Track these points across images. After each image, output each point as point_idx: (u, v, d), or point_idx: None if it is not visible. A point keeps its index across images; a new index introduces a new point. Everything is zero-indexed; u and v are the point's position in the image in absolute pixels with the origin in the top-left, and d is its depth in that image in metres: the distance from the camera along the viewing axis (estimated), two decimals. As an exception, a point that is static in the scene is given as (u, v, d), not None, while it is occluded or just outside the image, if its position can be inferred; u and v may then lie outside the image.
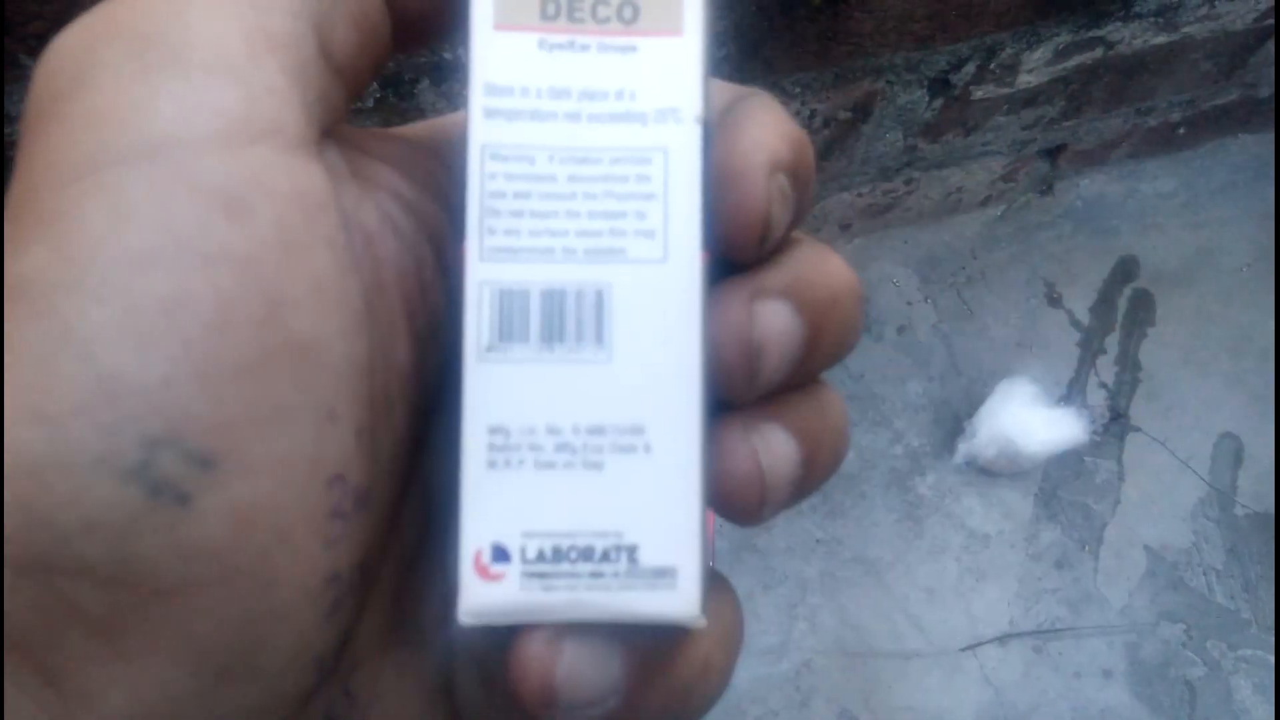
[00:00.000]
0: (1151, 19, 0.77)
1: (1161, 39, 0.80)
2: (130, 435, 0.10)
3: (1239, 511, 0.84)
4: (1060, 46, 0.76)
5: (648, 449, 0.13)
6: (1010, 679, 0.77)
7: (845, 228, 0.91)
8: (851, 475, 0.83)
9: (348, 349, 0.12)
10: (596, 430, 0.13)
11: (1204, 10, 0.78)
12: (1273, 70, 0.91)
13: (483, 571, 0.13)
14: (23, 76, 0.47)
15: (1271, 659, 0.78)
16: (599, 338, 0.13)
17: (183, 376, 0.10)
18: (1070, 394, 0.88)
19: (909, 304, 0.91)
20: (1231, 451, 0.86)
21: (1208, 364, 0.90)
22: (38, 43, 0.46)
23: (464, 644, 0.15)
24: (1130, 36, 0.78)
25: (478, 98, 0.13)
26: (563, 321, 0.13)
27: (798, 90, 0.70)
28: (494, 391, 0.13)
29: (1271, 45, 0.87)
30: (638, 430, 0.13)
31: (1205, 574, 0.81)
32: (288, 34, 0.12)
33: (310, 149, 0.12)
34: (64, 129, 0.11)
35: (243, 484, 0.11)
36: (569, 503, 0.13)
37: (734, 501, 0.14)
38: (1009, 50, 0.74)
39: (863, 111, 0.75)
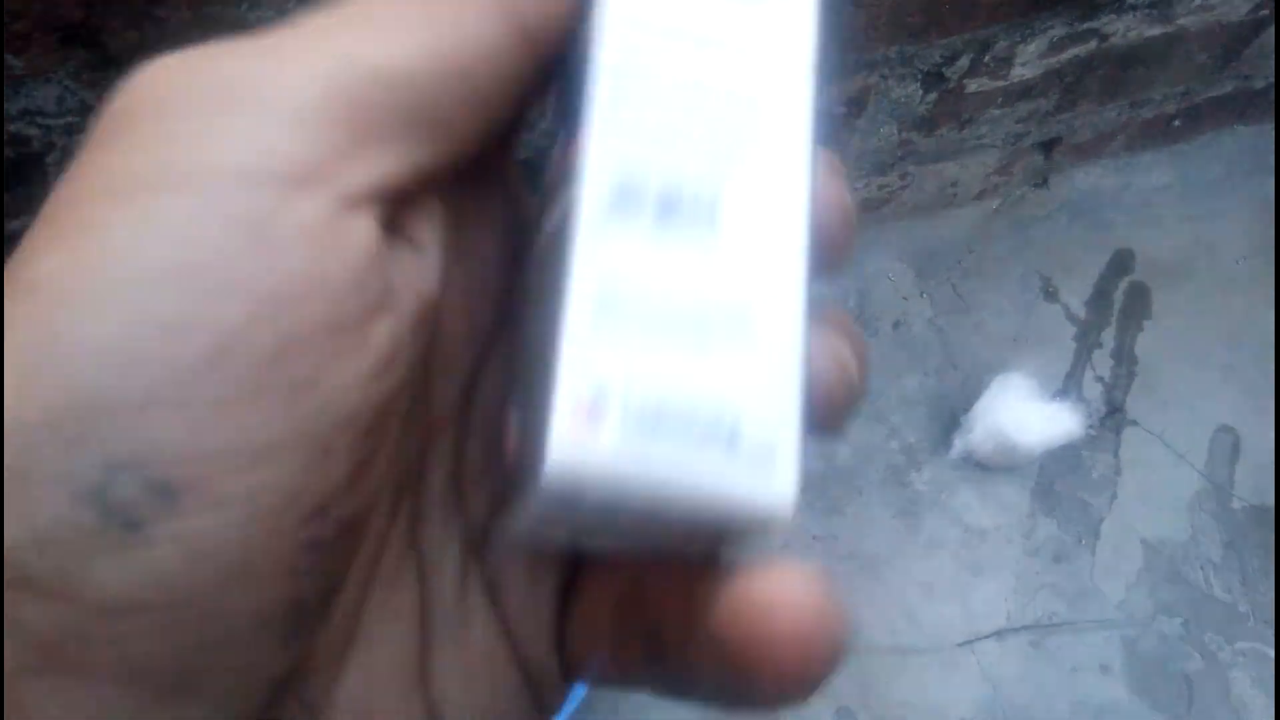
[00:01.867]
0: (1146, 11, 0.76)
1: (1156, 31, 0.80)
2: (93, 456, 0.10)
3: (1236, 505, 0.84)
4: (1054, 39, 0.75)
5: (752, 329, 0.13)
6: (1008, 674, 0.77)
7: (840, 223, 0.90)
8: (848, 471, 0.83)
9: (361, 395, 0.12)
10: (704, 303, 0.13)
11: (1199, 1, 0.78)
12: (1268, 61, 0.91)
13: (581, 416, 0.12)
14: (10, 76, 0.47)
15: (1270, 652, 0.78)
16: (711, 220, 0.14)
17: (163, 403, 0.10)
18: (1066, 388, 0.88)
19: (904, 299, 0.91)
20: (1229, 444, 0.86)
21: (1204, 357, 0.90)
22: (22, 42, 0.45)
23: (529, 534, 0.14)
24: (1125, 29, 0.78)
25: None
26: (679, 201, 0.14)
27: (791, 85, 0.69)
28: (605, 253, 0.13)
29: (1266, 36, 0.87)
30: (744, 309, 0.13)
31: (1203, 567, 0.81)
32: (371, 97, 0.12)
33: (364, 206, 0.12)
34: (119, 150, 0.11)
35: (204, 518, 0.11)
36: (673, 367, 0.13)
37: (831, 397, 0.14)
38: (1003, 43, 0.73)
39: (857, 106, 0.74)
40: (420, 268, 0.13)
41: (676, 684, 0.14)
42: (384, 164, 0.12)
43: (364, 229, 0.12)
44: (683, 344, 0.13)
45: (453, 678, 0.15)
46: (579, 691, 0.66)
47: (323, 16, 0.12)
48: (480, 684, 0.15)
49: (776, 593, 0.13)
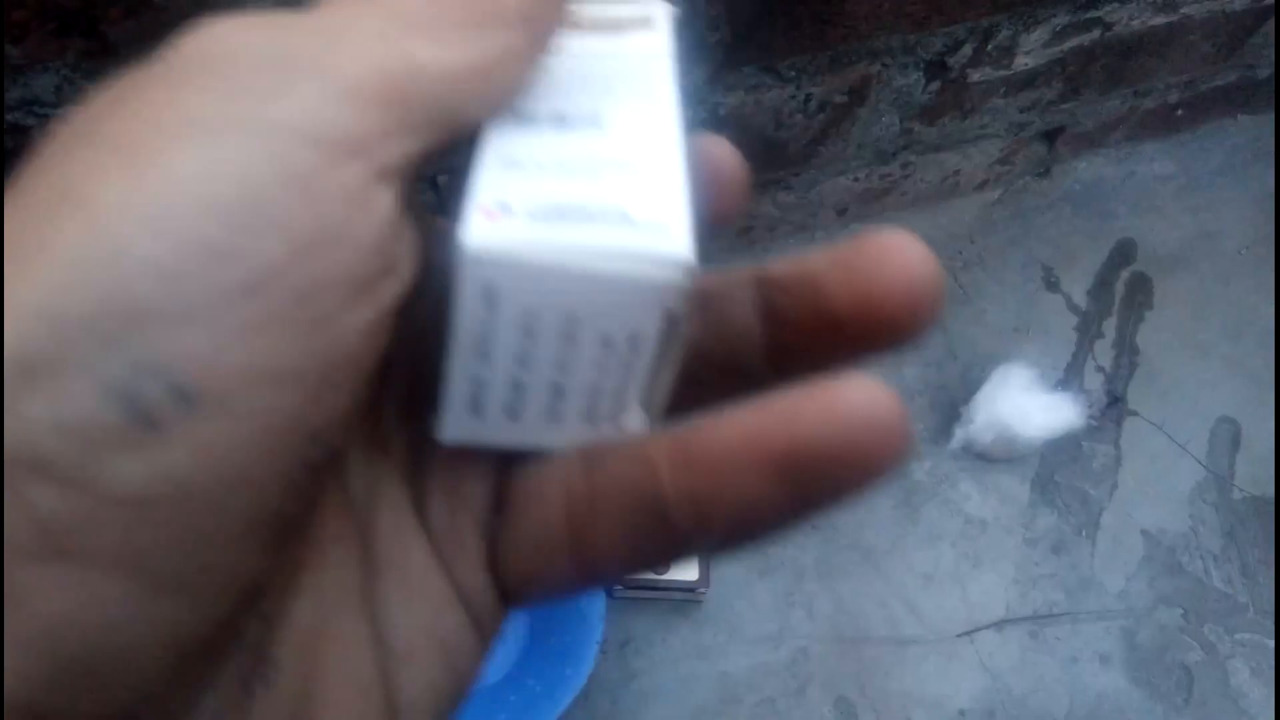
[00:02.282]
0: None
1: (1159, 20, 0.79)
2: (125, 355, 0.11)
3: (1237, 495, 0.84)
4: (1058, 28, 0.75)
5: (638, 167, 0.15)
6: (1007, 664, 0.77)
7: (841, 212, 0.90)
8: (848, 461, 0.83)
9: (367, 341, 0.13)
10: (595, 161, 0.15)
11: (1203, -10, 0.78)
12: (1272, 51, 0.91)
13: (491, 216, 0.14)
14: (9, 66, 0.46)
15: (1269, 643, 0.78)
16: (598, 124, 0.16)
17: (198, 320, 0.11)
18: (1067, 378, 0.88)
19: (906, 289, 0.90)
20: (1229, 435, 0.86)
21: (1206, 347, 0.90)
22: (20, 31, 0.45)
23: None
24: (1128, 17, 0.77)
25: None
26: (568, 117, 0.16)
27: (793, 74, 0.69)
28: (510, 140, 0.15)
29: (1270, 26, 0.86)
30: (630, 160, 0.15)
31: (1203, 558, 0.81)
32: (412, 86, 0.13)
33: (392, 180, 0.13)
34: (185, 93, 0.12)
35: (220, 426, 0.11)
36: (570, 189, 0.14)
37: (721, 177, 0.17)
38: (1006, 32, 0.73)
39: (858, 95, 0.74)
40: (413, 241, 0.14)
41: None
42: (411, 145, 0.13)
43: (389, 200, 0.13)
44: (577, 179, 0.15)
45: (396, 605, 0.16)
46: (577, 684, 0.66)
47: (356, 4, 0.14)
48: (422, 612, 0.16)
49: (879, 246, 0.15)
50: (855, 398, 0.13)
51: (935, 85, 0.76)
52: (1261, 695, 0.76)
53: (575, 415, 0.16)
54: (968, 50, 0.73)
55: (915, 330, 0.15)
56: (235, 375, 0.11)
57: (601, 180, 0.15)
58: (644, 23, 0.19)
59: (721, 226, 0.17)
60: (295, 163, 0.12)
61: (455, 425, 0.16)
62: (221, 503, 0.12)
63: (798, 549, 0.79)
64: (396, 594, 0.16)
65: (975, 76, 0.77)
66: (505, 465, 0.17)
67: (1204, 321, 0.91)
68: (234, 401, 0.11)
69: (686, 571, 0.72)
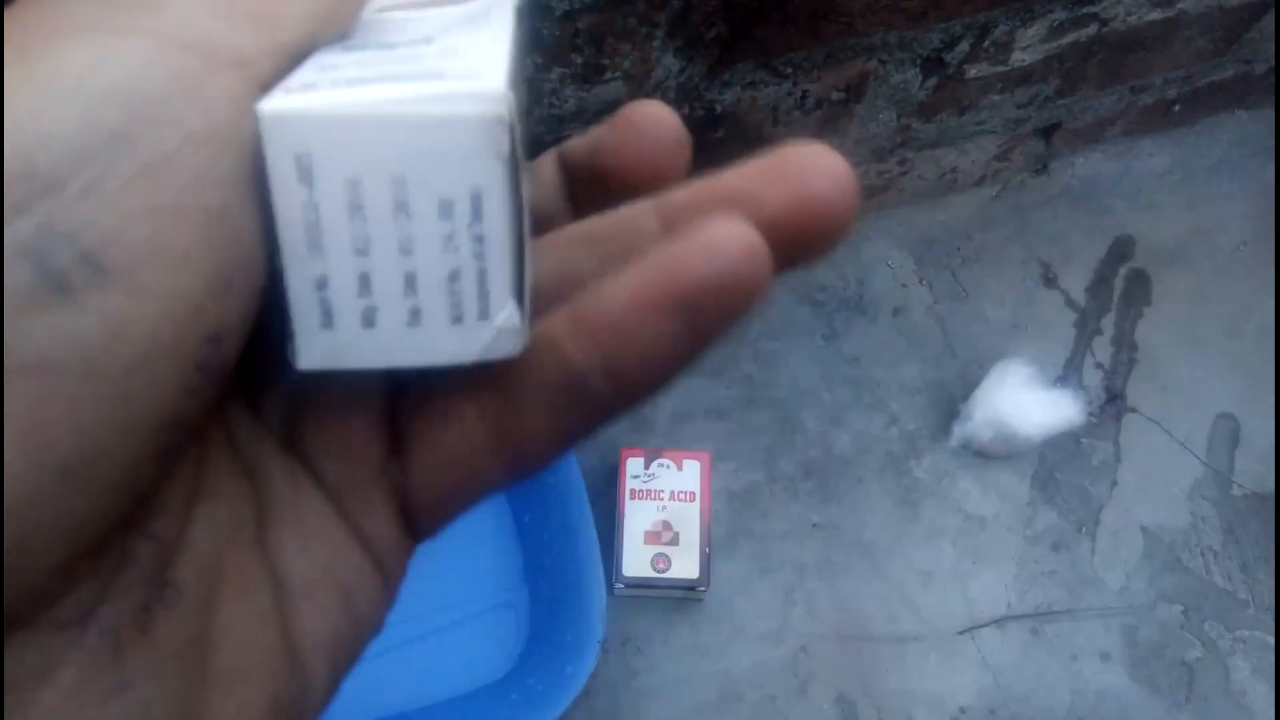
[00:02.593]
0: (1147, -5, 0.76)
1: (1156, 15, 0.79)
2: (35, 220, 0.11)
3: (1236, 492, 0.84)
4: (1054, 23, 0.75)
5: (459, 53, 0.15)
6: (1008, 662, 0.77)
7: (839, 210, 0.90)
8: (847, 460, 0.83)
9: (256, 250, 0.13)
10: (418, 56, 0.15)
11: (1200, -15, 0.77)
12: (1269, 46, 0.91)
13: (288, 91, 0.13)
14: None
15: (1270, 639, 0.78)
16: (428, 42, 0.15)
17: (102, 194, 0.12)
18: (1066, 375, 0.88)
19: (904, 286, 0.90)
20: (1229, 431, 0.86)
21: (1205, 343, 0.90)
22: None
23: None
24: (1125, 12, 0.77)
25: None
26: (396, 45, 0.15)
27: (789, 71, 0.69)
28: (331, 58, 0.14)
29: (1267, 20, 0.86)
30: (453, 49, 0.15)
31: (1203, 555, 0.81)
32: (283, 7, 0.14)
33: (256, 84, 0.14)
34: (73, 4, 0.13)
35: (128, 301, 0.12)
36: (384, 68, 0.14)
37: (658, 133, 0.18)
38: (1003, 28, 0.73)
39: (855, 92, 0.74)
40: None
41: None
42: (282, 63, 0.14)
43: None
44: (394, 65, 0.14)
45: (290, 546, 0.16)
46: (578, 682, 0.66)
47: None
48: (319, 554, 0.16)
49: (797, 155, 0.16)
50: (727, 232, 0.14)
51: (932, 81, 0.76)
52: (1262, 693, 0.76)
53: (439, 316, 0.14)
54: (965, 46, 0.73)
55: (839, 235, 0.16)
56: (140, 252, 0.12)
57: (419, 62, 0.14)
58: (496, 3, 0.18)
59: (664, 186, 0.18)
60: (180, 65, 0.13)
61: (309, 347, 0.14)
62: (123, 386, 0.12)
63: (798, 547, 0.79)
64: (291, 537, 0.16)
65: (972, 73, 0.77)
66: (394, 414, 0.17)
67: (1203, 317, 0.91)
68: (141, 278, 0.12)
69: (687, 570, 0.72)
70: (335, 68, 0.14)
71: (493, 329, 0.15)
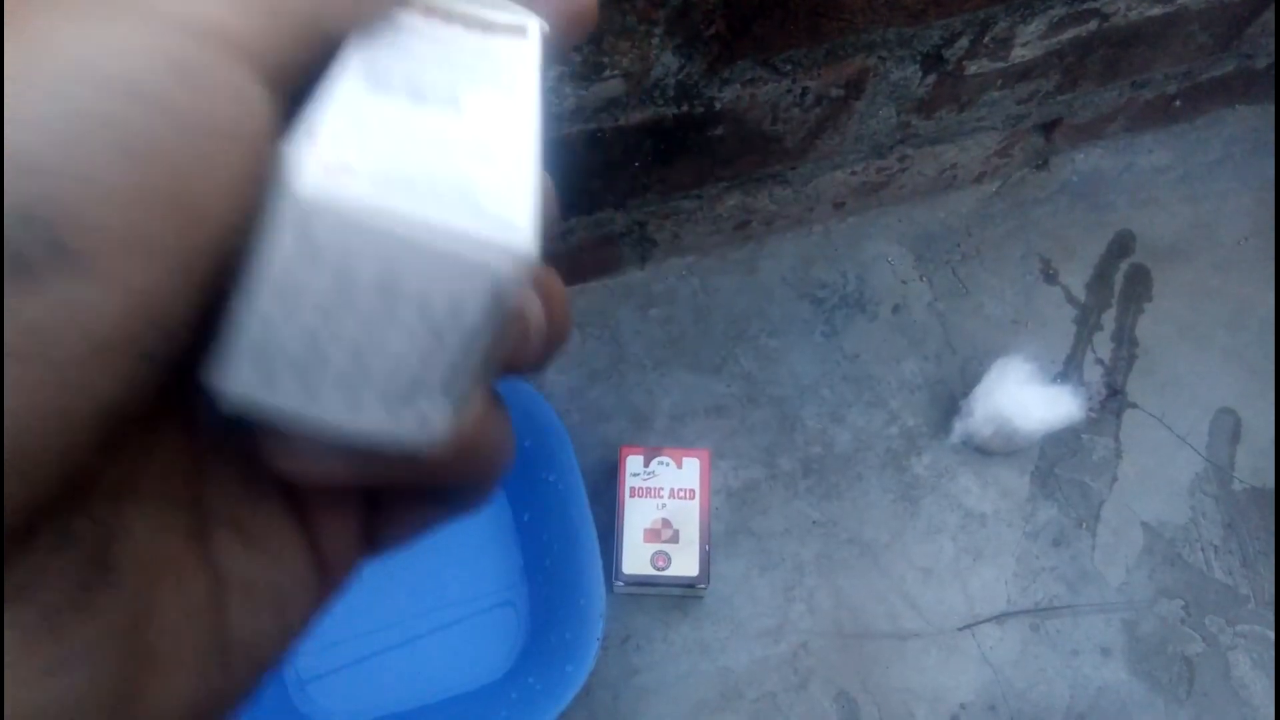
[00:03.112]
0: (1147, -10, 0.76)
1: (1156, 10, 0.79)
2: (10, 200, 0.11)
3: (1237, 487, 0.84)
4: (1054, 19, 0.75)
5: (491, 157, 0.15)
6: (1008, 658, 0.77)
7: (839, 206, 0.90)
8: (847, 456, 0.83)
9: (221, 244, 0.13)
10: (447, 141, 0.15)
11: (1200, -20, 0.77)
12: (1270, 41, 0.91)
13: (328, 171, 0.13)
14: None
15: (1270, 634, 0.78)
16: (455, 105, 0.16)
17: (76, 177, 0.12)
18: (1067, 371, 0.88)
19: (904, 283, 0.90)
20: (1229, 426, 0.86)
21: (1205, 339, 0.89)
22: None
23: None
24: (1125, 8, 0.77)
25: None
26: (424, 90, 0.16)
27: (789, 68, 0.69)
28: (358, 96, 0.14)
29: (1268, 15, 0.86)
30: (484, 147, 0.15)
31: (1203, 550, 0.81)
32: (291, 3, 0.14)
33: (274, 90, 0.14)
34: None
35: (89, 286, 0.12)
36: (419, 166, 0.14)
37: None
38: (1002, 24, 0.73)
39: (855, 89, 0.74)
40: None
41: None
42: (288, 54, 0.14)
43: (269, 109, 0.14)
44: (426, 155, 0.14)
45: (230, 548, 0.16)
46: (578, 681, 0.66)
47: None
48: (258, 559, 0.17)
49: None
50: None
51: (932, 78, 0.76)
52: (1263, 687, 0.76)
53: (372, 392, 0.14)
54: (964, 42, 0.73)
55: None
56: (106, 238, 0.12)
57: (452, 161, 0.14)
58: (516, 30, 0.18)
59: (572, 34, 0.18)
60: (179, 50, 0.13)
61: (237, 375, 0.14)
62: (69, 372, 0.12)
63: (798, 544, 0.79)
64: (235, 537, 0.16)
65: (972, 69, 0.77)
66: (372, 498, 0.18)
67: (1203, 313, 0.91)
68: (103, 264, 0.12)
69: (687, 568, 0.72)
70: (366, 128, 0.14)
71: (418, 417, 0.15)
